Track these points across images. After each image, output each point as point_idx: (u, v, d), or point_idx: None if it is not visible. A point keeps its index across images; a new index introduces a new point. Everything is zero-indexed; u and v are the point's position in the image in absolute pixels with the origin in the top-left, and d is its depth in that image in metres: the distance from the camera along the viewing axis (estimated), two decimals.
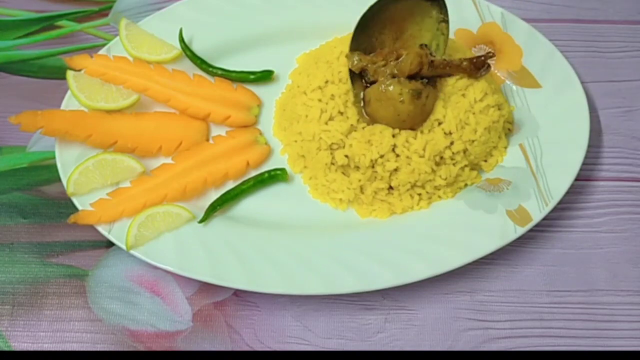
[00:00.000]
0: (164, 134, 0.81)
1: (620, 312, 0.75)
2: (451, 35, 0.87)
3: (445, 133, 0.76)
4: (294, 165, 0.82)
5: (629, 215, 0.81)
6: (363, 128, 0.77)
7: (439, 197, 0.78)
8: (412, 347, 0.73)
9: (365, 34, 0.78)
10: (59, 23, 0.95)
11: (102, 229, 0.75)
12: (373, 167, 0.76)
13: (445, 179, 0.77)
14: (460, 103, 0.77)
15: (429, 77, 0.76)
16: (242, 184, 0.79)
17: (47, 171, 0.83)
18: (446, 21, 0.78)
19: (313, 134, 0.78)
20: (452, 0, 0.82)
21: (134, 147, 0.79)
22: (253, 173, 0.81)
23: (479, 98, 0.78)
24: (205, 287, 0.75)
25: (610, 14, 0.97)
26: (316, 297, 0.75)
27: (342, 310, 0.75)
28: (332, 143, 0.77)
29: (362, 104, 0.78)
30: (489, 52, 0.79)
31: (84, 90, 0.80)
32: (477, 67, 0.78)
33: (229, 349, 0.73)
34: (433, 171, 0.76)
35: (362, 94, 0.78)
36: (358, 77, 0.78)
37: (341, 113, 0.78)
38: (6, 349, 0.72)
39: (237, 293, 0.75)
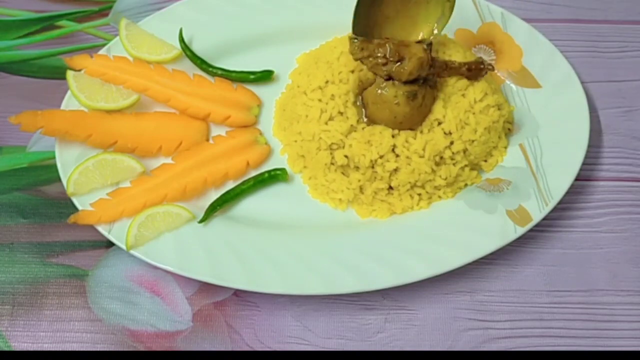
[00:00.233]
0: (164, 134, 0.81)
1: (620, 312, 0.75)
2: (451, 35, 0.87)
3: (445, 133, 0.76)
4: (293, 165, 0.82)
5: (629, 215, 0.81)
6: (363, 128, 0.77)
7: (439, 197, 0.78)
8: (412, 347, 0.73)
9: (372, 7, 0.77)
10: (59, 23, 0.95)
11: (102, 229, 0.75)
12: (373, 167, 0.76)
13: (445, 179, 0.77)
14: (460, 103, 0.77)
15: (426, 77, 0.76)
16: (242, 184, 0.79)
17: (47, 171, 0.83)
18: None
19: (313, 134, 0.78)
20: None
21: (134, 147, 0.79)
22: (253, 173, 0.81)
23: (479, 98, 0.78)
24: (205, 287, 0.75)
25: (610, 14, 0.97)
26: (316, 297, 0.75)
27: (342, 310, 0.75)
28: (332, 143, 0.77)
29: (361, 105, 0.78)
30: (489, 65, 0.79)
31: (84, 90, 0.80)
32: (475, 74, 0.78)
33: (229, 349, 0.73)
34: (433, 171, 0.76)
35: (360, 96, 0.78)
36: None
37: (341, 113, 0.78)
38: (6, 349, 0.72)
39: (237, 293, 0.75)
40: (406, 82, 0.74)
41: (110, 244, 0.77)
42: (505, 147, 0.81)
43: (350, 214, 0.79)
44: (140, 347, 0.73)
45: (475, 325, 0.74)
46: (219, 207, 0.77)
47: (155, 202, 0.76)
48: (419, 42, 0.77)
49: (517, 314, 0.75)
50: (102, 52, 0.86)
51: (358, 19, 0.77)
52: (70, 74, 0.81)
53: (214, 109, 0.83)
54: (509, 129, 0.83)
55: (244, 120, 0.84)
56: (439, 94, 0.78)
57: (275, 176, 0.80)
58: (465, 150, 0.77)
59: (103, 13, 0.96)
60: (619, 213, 0.81)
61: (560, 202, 0.77)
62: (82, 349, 0.72)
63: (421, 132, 0.76)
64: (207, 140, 0.83)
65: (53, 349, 0.72)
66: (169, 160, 0.80)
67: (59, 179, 0.78)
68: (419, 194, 0.78)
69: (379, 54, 0.74)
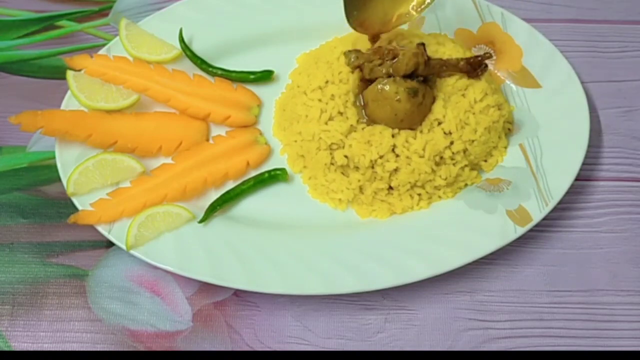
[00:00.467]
0: (164, 134, 0.81)
1: (620, 312, 0.75)
2: (451, 35, 0.87)
3: (445, 133, 0.76)
4: (293, 165, 0.82)
5: (629, 215, 0.81)
6: (363, 129, 0.76)
7: (439, 197, 0.78)
8: (412, 347, 0.73)
9: None
10: (59, 23, 0.95)
11: (102, 229, 0.75)
12: (373, 167, 0.76)
13: (445, 179, 0.77)
14: (460, 103, 0.77)
15: (425, 76, 0.76)
16: (242, 184, 0.79)
17: (47, 171, 0.83)
18: None
19: (313, 134, 0.78)
20: (452, 0, 0.82)
21: (134, 147, 0.79)
22: (253, 173, 0.81)
23: (479, 98, 0.78)
24: (205, 287, 0.75)
25: (610, 14, 0.97)
26: (316, 297, 0.75)
27: (342, 310, 0.75)
28: (332, 143, 0.77)
29: (361, 105, 0.78)
30: (487, 53, 0.79)
31: (84, 90, 0.80)
32: (474, 67, 0.78)
33: (229, 349, 0.73)
34: (433, 171, 0.76)
35: (361, 96, 0.78)
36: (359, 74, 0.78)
37: (341, 113, 0.78)
38: (6, 349, 0.72)
39: (237, 293, 0.75)
40: (406, 78, 0.74)
41: (110, 244, 0.77)
42: (505, 147, 0.81)
43: (351, 214, 0.79)
44: (140, 347, 0.73)
45: (475, 325, 0.74)
46: (219, 207, 0.77)
47: (155, 202, 0.76)
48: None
49: (517, 314, 0.75)
50: (102, 52, 0.86)
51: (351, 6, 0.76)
52: (70, 74, 0.81)
53: (214, 109, 0.83)
54: (509, 129, 0.83)
55: (244, 120, 0.84)
56: (439, 93, 0.78)
57: (275, 176, 0.80)
58: (465, 150, 0.77)
59: (103, 13, 0.96)
60: (619, 213, 0.81)
61: (560, 202, 0.77)
62: (82, 349, 0.72)
63: (421, 132, 0.76)
64: (207, 140, 0.83)
65: (53, 349, 0.72)
66: (169, 160, 0.80)
67: (59, 179, 0.78)
68: (419, 194, 0.78)
69: (374, 59, 0.75)
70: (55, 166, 0.78)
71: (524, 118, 0.83)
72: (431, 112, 0.77)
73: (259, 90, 0.87)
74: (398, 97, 0.74)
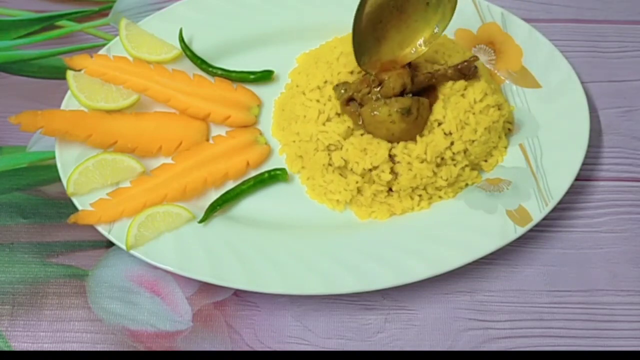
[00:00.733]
0: (164, 134, 0.81)
1: (620, 312, 0.75)
2: (451, 35, 0.87)
3: (445, 133, 0.76)
4: (291, 166, 0.82)
5: (629, 215, 0.81)
6: (362, 134, 0.76)
7: (440, 197, 0.78)
8: (412, 347, 0.73)
9: (367, 29, 0.76)
10: (59, 23, 0.95)
11: (102, 229, 0.75)
12: (369, 172, 0.76)
13: (447, 180, 0.77)
14: (460, 103, 0.77)
15: (416, 92, 0.76)
16: (242, 184, 0.79)
17: (47, 171, 0.83)
18: None
19: (311, 134, 0.78)
20: None
21: (134, 147, 0.79)
22: (253, 173, 0.81)
23: (479, 98, 0.78)
24: (205, 287, 0.75)
25: (610, 14, 0.97)
26: (316, 297, 0.75)
27: (342, 310, 0.75)
28: (330, 144, 0.77)
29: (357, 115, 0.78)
30: (473, 56, 0.80)
31: (84, 90, 0.80)
32: (464, 72, 0.79)
33: (229, 349, 0.73)
34: (434, 173, 0.76)
35: (357, 111, 0.78)
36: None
37: (339, 114, 0.78)
38: (6, 349, 0.72)
39: (237, 293, 0.75)
40: (397, 97, 0.75)
41: (110, 244, 0.77)
42: (505, 147, 0.81)
43: (351, 214, 0.79)
44: (140, 347, 0.73)
45: (475, 325, 0.74)
46: (219, 207, 0.77)
47: (155, 202, 0.76)
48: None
49: (517, 314, 0.75)
50: (102, 52, 0.86)
51: (358, 44, 0.75)
52: (70, 74, 0.81)
53: (214, 109, 0.83)
54: (509, 129, 0.83)
55: (244, 120, 0.84)
56: (439, 94, 0.78)
57: (275, 176, 0.80)
58: (465, 151, 0.77)
59: (103, 13, 0.96)
60: (619, 213, 0.81)
61: (560, 202, 0.77)
62: (82, 349, 0.72)
63: (421, 135, 0.76)
64: (207, 140, 0.83)
65: (53, 349, 0.72)
66: (169, 160, 0.80)
67: (59, 179, 0.78)
68: (420, 195, 0.78)
69: (361, 88, 0.76)
70: (55, 166, 0.78)
71: (524, 118, 0.83)
72: (431, 112, 0.77)
73: (259, 90, 0.87)
74: (392, 119, 0.74)
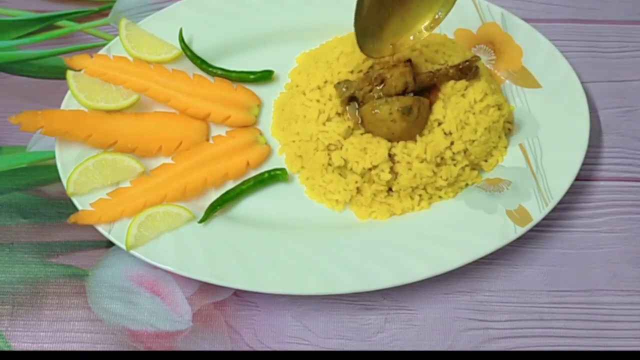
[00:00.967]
0: (164, 134, 0.81)
1: (620, 312, 0.75)
2: (451, 35, 0.87)
3: (445, 133, 0.76)
4: (291, 165, 0.82)
5: (629, 215, 0.81)
6: (361, 134, 0.76)
7: (440, 197, 0.78)
8: (412, 347, 0.73)
9: (370, 15, 0.74)
10: (59, 23, 0.95)
11: (102, 229, 0.75)
12: (370, 171, 0.76)
13: (447, 180, 0.77)
14: (460, 103, 0.77)
15: (417, 91, 0.76)
16: (242, 184, 0.79)
17: (47, 171, 0.83)
18: None
19: (310, 134, 0.78)
20: None
21: (134, 147, 0.79)
22: (253, 173, 0.81)
23: (479, 98, 0.78)
24: (205, 287, 0.75)
25: (610, 14, 0.97)
26: (316, 297, 0.75)
27: (342, 310, 0.75)
28: (330, 144, 0.77)
29: (357, 114, 0.78)
30: (474, 56, 0.80)
31: (84, 90, 0.80)
32: (465, 72, 0.79)
33: (229, 349, 0.73)
34: (434, 173, 0.76)
35: (356, 112, 0.78)
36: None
37: (339, 114, 0.77)
38: (6, 349, 0.72)
39: (237, 293, 0.75)
40: (398, 95, 0.75)
41: (110, 244, 0.77)
42: (505, 147, 0.81)
43: (350, 214, 0.79)
44: (140, 347, 0.73)
45: (475, 325, 0.74)
46: (219, 207, 0.77)
47: (155, 202, 0.76)
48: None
49: (517, 314, 0.75)
50: (102, 52, 0.86)
51: (360, 31, 0.75)
52: (70, 74, 0.81)
53: (214, 109, 0.83)
54: (509, 129, 0.83)
55: (244, 120, 0.84)
56: (439, 94, 0.78)
57: (275, 176, 0.80)
58: (465, 151, 0.77)
59: (103, 13, 0.96)
60: (619, 213, 0.81)
61: (560, 202, 0.77)
62: (82, 349, 0.72)
63: (421, 135, 0.76)
64: (207, 140, 0.83)
65: (53, 349, 0.72)
66: (169, 160, 0.80)
67: (59, 179, 0.78)
68: (420, 195, 0.78)
69: (363, 86, 0.76)
70: (55, 166, 0.78)
71: (524, 118, 0.83)
72: (431, 112, 0.77)
73: (259, 90, 0.87)
74: (392, 117, 0.74)
